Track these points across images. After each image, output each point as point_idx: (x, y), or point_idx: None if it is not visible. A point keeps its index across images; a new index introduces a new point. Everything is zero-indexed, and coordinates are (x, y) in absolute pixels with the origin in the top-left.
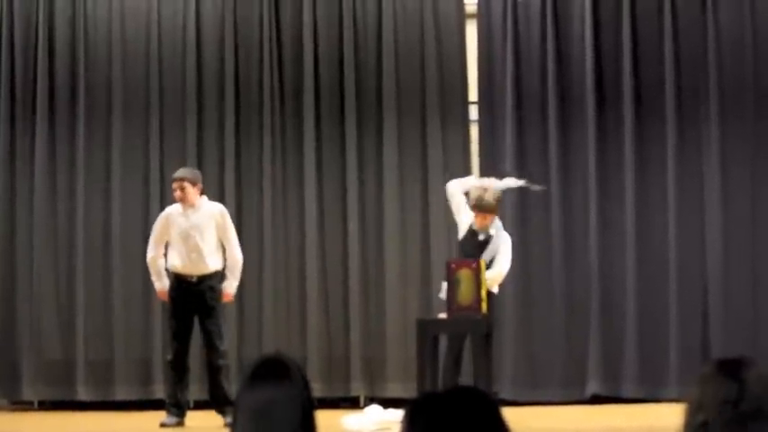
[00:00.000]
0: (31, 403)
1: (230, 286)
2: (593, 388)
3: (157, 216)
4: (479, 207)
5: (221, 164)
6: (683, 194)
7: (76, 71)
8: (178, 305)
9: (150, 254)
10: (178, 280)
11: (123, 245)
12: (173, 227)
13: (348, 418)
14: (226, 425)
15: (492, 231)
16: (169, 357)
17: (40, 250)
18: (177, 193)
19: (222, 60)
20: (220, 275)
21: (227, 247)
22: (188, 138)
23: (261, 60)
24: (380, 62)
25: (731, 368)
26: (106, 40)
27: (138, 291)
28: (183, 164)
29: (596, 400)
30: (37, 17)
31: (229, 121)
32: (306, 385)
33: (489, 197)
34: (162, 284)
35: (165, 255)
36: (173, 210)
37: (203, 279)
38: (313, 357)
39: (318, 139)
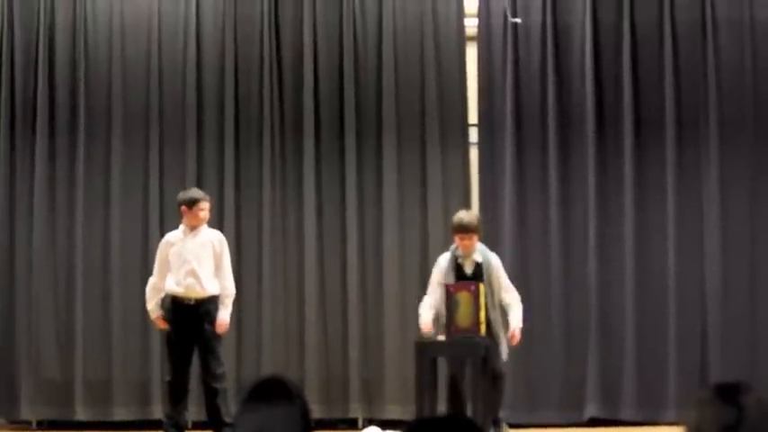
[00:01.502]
0: (30, 423)
1: (223, 316)
2: (591, 411)
3: (157, 236)
4: (461, 228)
5: (221, 186)
6: (682, 218)
7: (76, 89)
8: (177, 328)
9: (151, 280)
10: (176, 303)
11: (122, 264)
12: (171, 251)
13: None
14: None
15: (478, 258)
16: (168, 379)
17: (39, 269)
18: (205, 214)
19: (222, 81)
20: (218, 300)
21: (219, 276)
22: (188, 157)
23: (261, 81)
24: (380, 84)
25: (729, 393)
26: (106, 59)
27: (137, 311)
28: (182, 184)
29: (595, 422)
30: (37, 35)
31: (229, 141)
32: (304, 406)
33: (470, 217)
34: (158, 313)
35: None
36: (170, 235)
37: (201, 303)
38: (311, 378)
39: (318, 159)
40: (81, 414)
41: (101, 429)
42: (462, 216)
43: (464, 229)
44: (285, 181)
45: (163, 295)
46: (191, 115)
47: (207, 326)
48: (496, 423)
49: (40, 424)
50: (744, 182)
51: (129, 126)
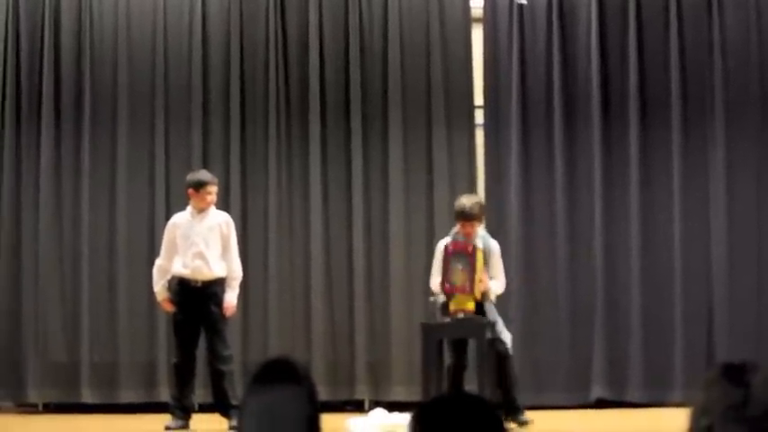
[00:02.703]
0: (36, 406)
1: (230, 298)
2: (597, 392)
3: (162, 220)
4: (463, 215)
5: (227, 169)
6: (688, 199)
7: (82, 74)
8: (183, 310)
9: (159, 261)
10: (183, 285)
11: (128, 248)
12: (178, 233)
13: (353, 421)
14: (230, 428)
15: (479, 243)
16: (175, 361)
17: (46, 254)
18: (212, 197)
19: (228, 67)
20: (224, 282)
21: (226, 258)
22: (193, 142)
23: (267, 64)
24: (386, 66)
25: (736, 373)
26: (112, 46)
27: (143, 294)
28: (188, 168)
29: (601, 404)
30: (42, 23)
31: (235, 127)
32: (312, 388)
33: (471, 203)
34: (165, 295)
35: None
36: (177, 217)
37: (208, 285)
38: (318, 361)
39: (324, 143)
40: (87, 397)
41: (107, 412)
42: (464, 203)
43: (466, 217)
44: (291, 165)
45: (169, 277)
46: (196, 99)
47: (214, 308)
48: (515, 409)
49: (46, 407)
50: (750, 163)
51: (135, 111)
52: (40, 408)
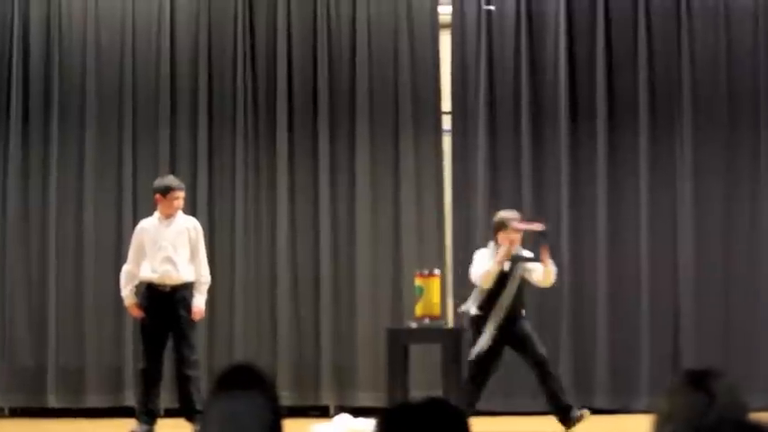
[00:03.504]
0: (2, 410)
1: (199, 303)
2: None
3: (130, 225)
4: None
5: (194, 174)
6: (655, 205)
7: (51, 79)
8: (152, 315)
9: (125, 267)
10: (151, 290)
11: (95, 253)
12: (146, 238)
13: (318, 426)
14: None
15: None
16: (142, 366)
17: (12, 258)
18: (179, 202)
19: (196, 74)
20: (192, 287)
21: (194, 263)
22: (161, 148)
23: (234, 68)
24: (354, 72)
25: (700, 379)
26: (80, 49)
27: (110, 298)
28: (156, 173)
29: None
30: (11, 28)
31: (202, 132)
32: (275, 393)
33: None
34: (132, 300)
35: None
36: (147, 222)
37: (177, 289)
38: (283, 366)
39: (291, 148)
40: (54, 401)
41: (73, 416)
42: (505, 215)
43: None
44: (258, 170)
45: (137, 282)
46: (164, 105)
47: (183, 312)
48: (567, 409)
49: (12, 411)
50: (717, 170)
51: (103, 116)
52: (6, 412)
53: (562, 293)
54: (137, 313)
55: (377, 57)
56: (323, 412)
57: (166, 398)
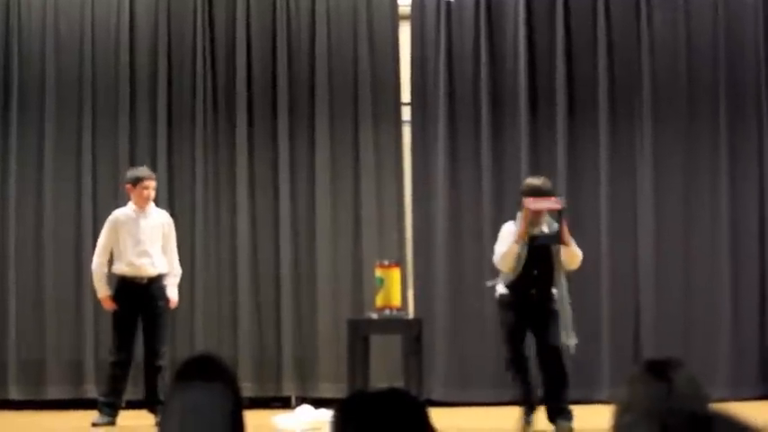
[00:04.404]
0: None
1: (173, 294)
2: None
3: (89, 217)
4: (539, 191)
5: (153, 167)
6: (615, 195)
7: (10, 69)
8: (126, 307)
9: (98, 260)
10: (126, 283)
11: (55, 244)
12: (122, 230)
13: (279, 417)
14: (156, 424)
15: (545, 226)
16: (114, 359)
17: None
18: (149, 192)
19: (155, 65)
20: (165, 278)
21: (168, 256)
22: (120, 140)
23: (194, 61)
24: (313, 63)
25: (660, 369)
26: (39, 38)
27: (71, 291)
28: (115, 166)
29: None
30: None
31: (161, 124)
32: (236, 384)
33: (542, 181)
34: (106, 292)
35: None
36: (120, 214)
37: (153, 281)
38: (244, 357)
39: (250, 139)
40: (14, 393)
41: (34, 408)
42: (535, 181)
43: (542, 193)
44: (217, 163)
45: (107, 273)
46: (123, 97)
47: (160, 302)
48: (562, 411)
49: None
50: (677, 162)
51: (62, 108)
52: None
53: None
54: (110, 306)
55: (336, 49)
56: (284, 403)
57: (128, 390)
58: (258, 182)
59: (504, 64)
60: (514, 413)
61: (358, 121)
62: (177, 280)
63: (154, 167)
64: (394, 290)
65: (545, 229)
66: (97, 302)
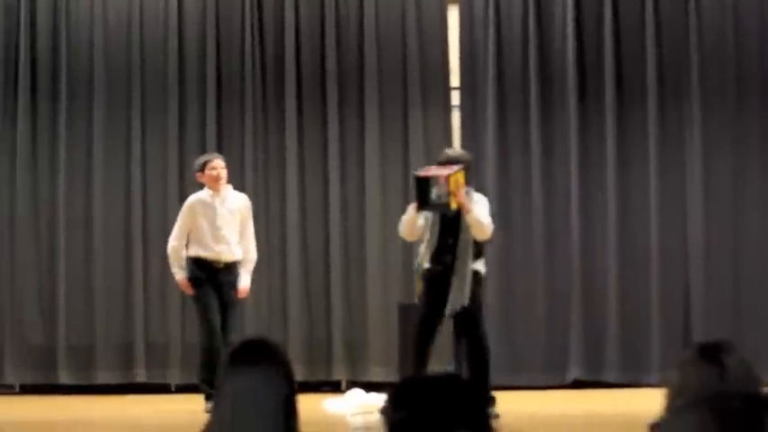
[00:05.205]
0: (13, 387)
1: (245, 282)
2: (574, 373)
3: (139, 202)
4: (446, 161)
5: (202, 150)
6: (664, 180)
7: (59, 56)
8: (207, 290)
9: (175, 243)
10: (203, 265)
11: (105, 230)
12: (200, 215)
13: (329, 401)
14: (206, 410)
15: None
16: (207, 344)
17: (22, 235)
18: (218, 173)
19: (204, 50)
20: (239, 266)
21: (245, 242)
22: (169, 124)
23: (242, 45)
24: (362, 48)
25: (712, 353)
26: (88, 25)
27: (120, 275)
28: (164, 151)
29: (578, 385)
30: (18, 2)
31: (211, 109)
32: (288, 368)
33: (455, 151)
34: (184, 275)
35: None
36: (198, 198)
37: (230, 266)
38: (294, 341)
39: (300, 127)
40: (64, 378)
41: (84, 393)
42: (445, 151)
43: (449, 162)
44: (267, 148)
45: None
46: (172, 80)
47: (232, 291)
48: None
49: (23, 388)
50: (727, 145)
51: (111, 92)
52: (17, 389)
53: (573, 269)
54: (189, 289)
55: (385, 34)
56: (335, 387)
57: (176, 374)
58: (308, 168)
59: (552, 48)
60: (565, 396)
61: (407, 105)
62: (252, 266)
63: (203, 153)
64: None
65: (444, 197)
66: (147, 286)
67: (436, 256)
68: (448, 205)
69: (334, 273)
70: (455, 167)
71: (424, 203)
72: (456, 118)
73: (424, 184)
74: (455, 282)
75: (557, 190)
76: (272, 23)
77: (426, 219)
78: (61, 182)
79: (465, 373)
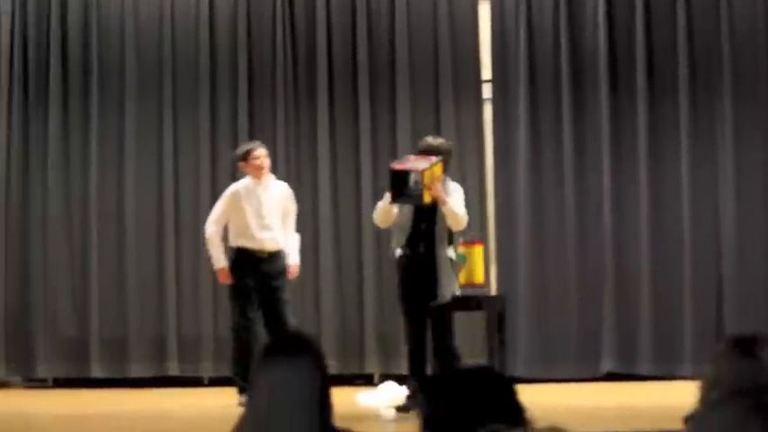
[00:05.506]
0: (46, 380)
1: (294, 259)
2: (607, 365)
3: (171, 194)
4: (426, 150)
5: (234, 142)
6: (696, 172)
7: (89, 48)
8: (248, 282)
9: (213, 228)
10: (245, 256)
11: (137, 223)
12: (244, 203)
13: (362, 394)
14: (240, 404)
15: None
16: (241, 337)
17: (54, 228)
18: (261, 161)
19: (235, 41)
20: (283, 253)
21: (288, 227)
22: (201, 116)
23: (274, 38)
24: (393, 41)
25: (746, 345)
26: (119, 17)
27: (153, 268)
28: (196, 143)
29: (611, 377)
30: None
31: (242, 101)
32: (322, 360)
33: (433, 140)
34: (224, 263)
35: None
36: (241, 186)
37: (273, 255)
38: (327, 334)
39: (332, 121)
40: (97, 371)
41: (116, 386)
42: (424, 140)
43: (427, 151)
44: (299, 142)
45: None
46: (204, 72)
47: (281, 276)
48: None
49: (56, 381)
50: (758, 136)
51: (142, 86)
52: (50, 383)
53: (605, 262)
54: (226, 279)
55: (416, 27)
56: (368, 380)
57: (209, 367)
58: (340, 162)
59: (584, 39)
60: (598, 389)
61: (439, 99)
62: (297, 245)
63: (235, 146)
64: (477, 267)
65: (418, 190)
66: (179, 279)
67: (409, 243)
68: (421, 198)
69: (367, 266)
70: (433, 159)
71: (398, 195)
72: (488, 111)
73: (399, 177)
74: (441, 270)
75: (589, 182)
76: (304, 15)
77: (401, 206)
78: (93, 175)
79: (497, 366)
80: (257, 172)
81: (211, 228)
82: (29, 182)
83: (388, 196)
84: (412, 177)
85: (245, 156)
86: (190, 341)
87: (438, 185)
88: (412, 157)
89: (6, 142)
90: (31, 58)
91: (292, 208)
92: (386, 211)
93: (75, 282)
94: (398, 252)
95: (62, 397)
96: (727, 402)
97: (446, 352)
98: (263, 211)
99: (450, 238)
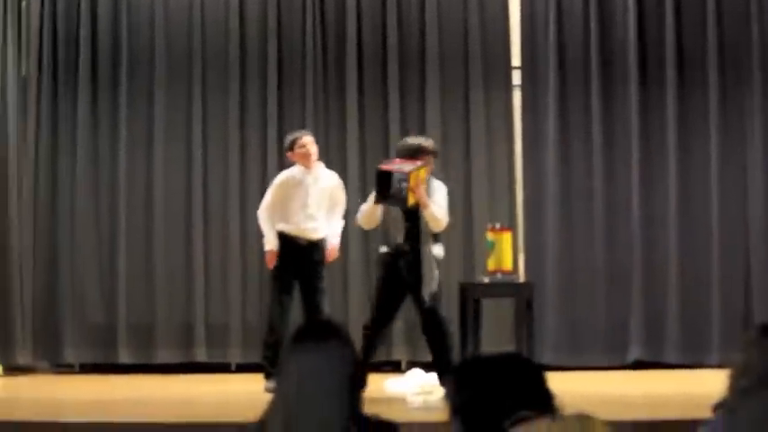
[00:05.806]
0: (73, 366)
1: (334, 241)
2: (635, 353)
3: (200, 182)
4: (406, 150)
5: (263, 130)
6: (725, 161)
7: (119, 38)
8: (287, 268)
9: (266, 213)
10: (286, 243)
11: (165, 209)
12: (291, 191)
13: (390, 381)
14: (266, 390)
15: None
16: (274, 322)
17: (82, 213)
18: (308, 149)
19: (265, 30)
20: (324, 242)
21: (336, 215)
22: (230, 104)
23: (303, 27)
24: (423, 28)
25: None
26: (149, 5)
27: (180, 254)
28: (225, 131)
29: (639, 365)
30: None
31: (272, 90)
32: (351, 347)
33: (415, 139)
34: (274, 246)
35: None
36: (290, 174)
37: (314, 244)
38: (355, 321)
39: (361, 105)
40: (124, 357)
41: (143, 372)
42: (410, 140)
43: (406, 153)
44: (328, 129)
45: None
46: (233, 60)
47: (320, 266)
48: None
49: (83, 367)
50: None
51: (171, 75)
52: (77, 368)
53: (633, 250)
54: (272, 262)
55: (446, 13)
56: (395, 367)
57: (237, 353)
58: (369, 149)
59: (613, 28)
60: (625, 377)
61: (468, 86)
62: (340, 229)
63: (264, 134)
64: (505, 254)
65: (403, 192)
66: (207, 266)
67: (393, 241)
68: (405, 200)
69: None
70: (418, 163)
71: (382, 197)
72: (517, 98)
73: (384, 178)
74: (424, 266)
75: (618, 170)
76: (334, 4)
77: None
78: (122, 163)
79: (525, 353)
80: (305, 160)
81: (263, 213)
82: (57, 170)
83: (371, 199)
84: (397, 179)
85: (292, 145)
86: (217, 327)
87: (421, 189)
88: (398, 160)
89: (35, 130)
90: (60, 48)
91: (341, 197)
92: (370, 213)
93: (104, 268)
94: (382, 250)
95: (89, 382)
96: (756, 390)
97: (472, 340)
98: (308, 200)
99: (437, 235)
